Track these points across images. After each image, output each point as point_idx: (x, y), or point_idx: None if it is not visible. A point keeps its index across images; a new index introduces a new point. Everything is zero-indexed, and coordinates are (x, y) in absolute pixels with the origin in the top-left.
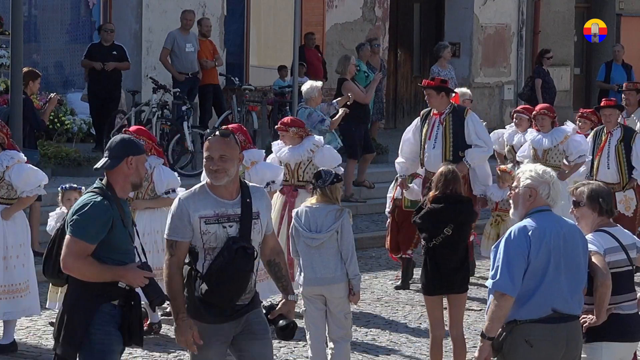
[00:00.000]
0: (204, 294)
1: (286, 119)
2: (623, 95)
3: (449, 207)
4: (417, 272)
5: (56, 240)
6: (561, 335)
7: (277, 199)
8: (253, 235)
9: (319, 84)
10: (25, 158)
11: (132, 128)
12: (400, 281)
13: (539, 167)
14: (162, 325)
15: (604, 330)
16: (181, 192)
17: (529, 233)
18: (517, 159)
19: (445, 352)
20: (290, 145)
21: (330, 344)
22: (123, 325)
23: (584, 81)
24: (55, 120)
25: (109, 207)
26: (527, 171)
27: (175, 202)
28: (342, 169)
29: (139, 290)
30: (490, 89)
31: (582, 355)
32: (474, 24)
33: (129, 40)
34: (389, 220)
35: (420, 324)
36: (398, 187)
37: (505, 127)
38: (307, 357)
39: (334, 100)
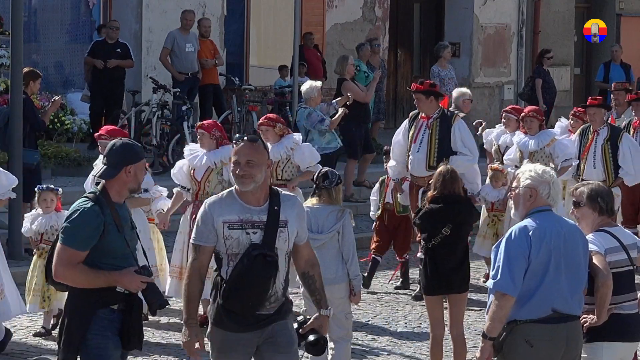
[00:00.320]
0: (224, 300)
1: (271, 115)
2: (612, 95)
3: (447, 208)
4: (415, 273)
5: (54, 247)
6: (561, 335)
7: None
8: (278, 243)
9: (319, 84)
10: None
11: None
12: (400, 281)
13: (539, 167)
14: (168, 331)
15: (605, 330)
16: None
17: (530, 233)
18: (504, 162)
19: (445, 352)
20: (270, 143)
21: (331, 344)
22: (123, 329)
23: (584, 81)
24: (55, 120)
25: (100, 213)
26: (527, 171)
27: (202, 206)
28: (320, 167)
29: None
30: (490, 89)
31: (582, 355)
32: (474, 24)
33: (129, 40)
34: (375, 224)
35: (420, 324)
36: (390, 191)
37: (495, 126)
38: (307, 357)
39: (334, 100)
